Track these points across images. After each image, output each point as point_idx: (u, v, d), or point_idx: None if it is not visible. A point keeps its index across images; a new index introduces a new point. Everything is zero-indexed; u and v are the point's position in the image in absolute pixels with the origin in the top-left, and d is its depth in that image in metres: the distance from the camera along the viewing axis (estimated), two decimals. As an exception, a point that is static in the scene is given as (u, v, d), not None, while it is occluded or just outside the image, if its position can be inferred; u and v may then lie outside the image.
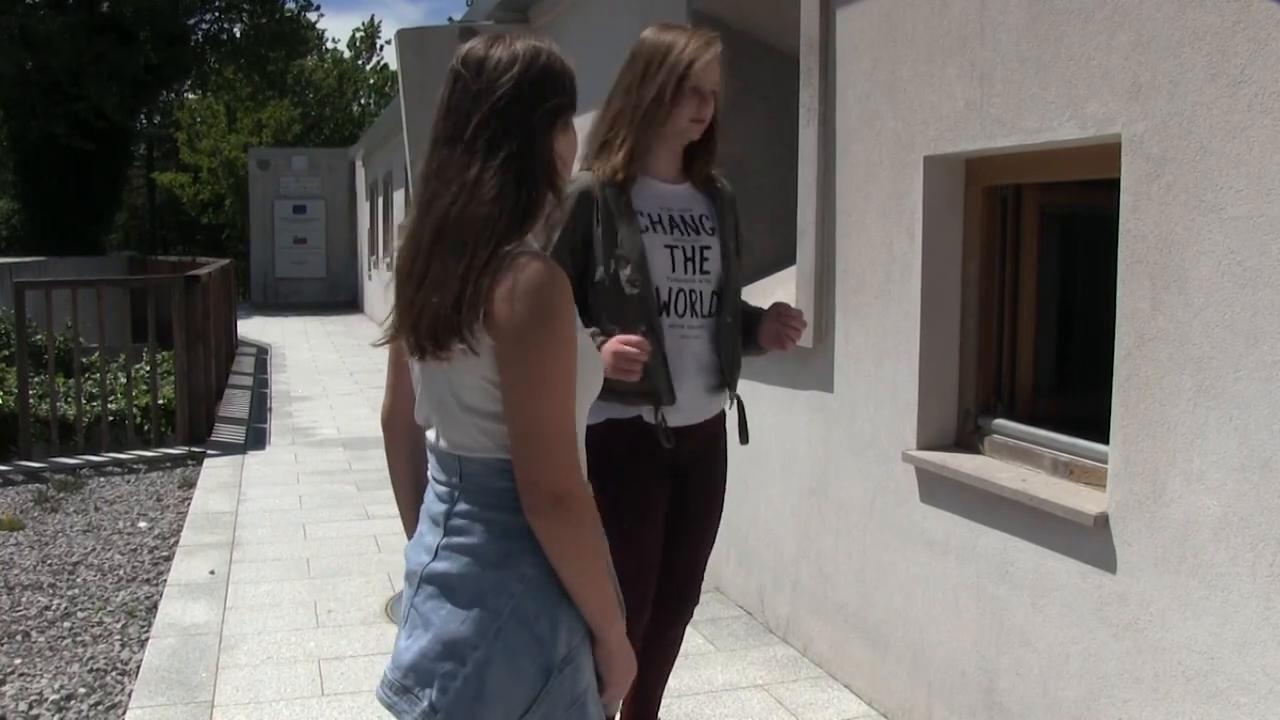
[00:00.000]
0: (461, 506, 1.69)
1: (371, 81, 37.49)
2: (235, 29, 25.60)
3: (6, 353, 9.34)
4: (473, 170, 1.61)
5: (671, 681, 3.86)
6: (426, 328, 1.61)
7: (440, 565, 1.68)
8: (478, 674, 1.63)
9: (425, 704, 1.64)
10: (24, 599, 4.74)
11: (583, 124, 7.17)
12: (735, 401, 2.81)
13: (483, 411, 1.64)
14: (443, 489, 1.72)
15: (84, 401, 8.02)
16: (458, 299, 1.57)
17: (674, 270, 2.66)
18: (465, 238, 1.59)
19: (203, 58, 25.42)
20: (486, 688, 1.62)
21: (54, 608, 4.64)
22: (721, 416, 2.83)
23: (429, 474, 1.80)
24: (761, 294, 3.70)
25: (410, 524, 1.94)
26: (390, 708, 1.69)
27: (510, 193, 1.60)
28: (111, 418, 7.96)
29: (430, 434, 1.76)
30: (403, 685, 1.68)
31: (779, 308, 2.77)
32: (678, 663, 4.02)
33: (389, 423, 1.93)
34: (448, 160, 1.64)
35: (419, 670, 1.66)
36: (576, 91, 1.72)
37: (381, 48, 38.45)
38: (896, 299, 3.42)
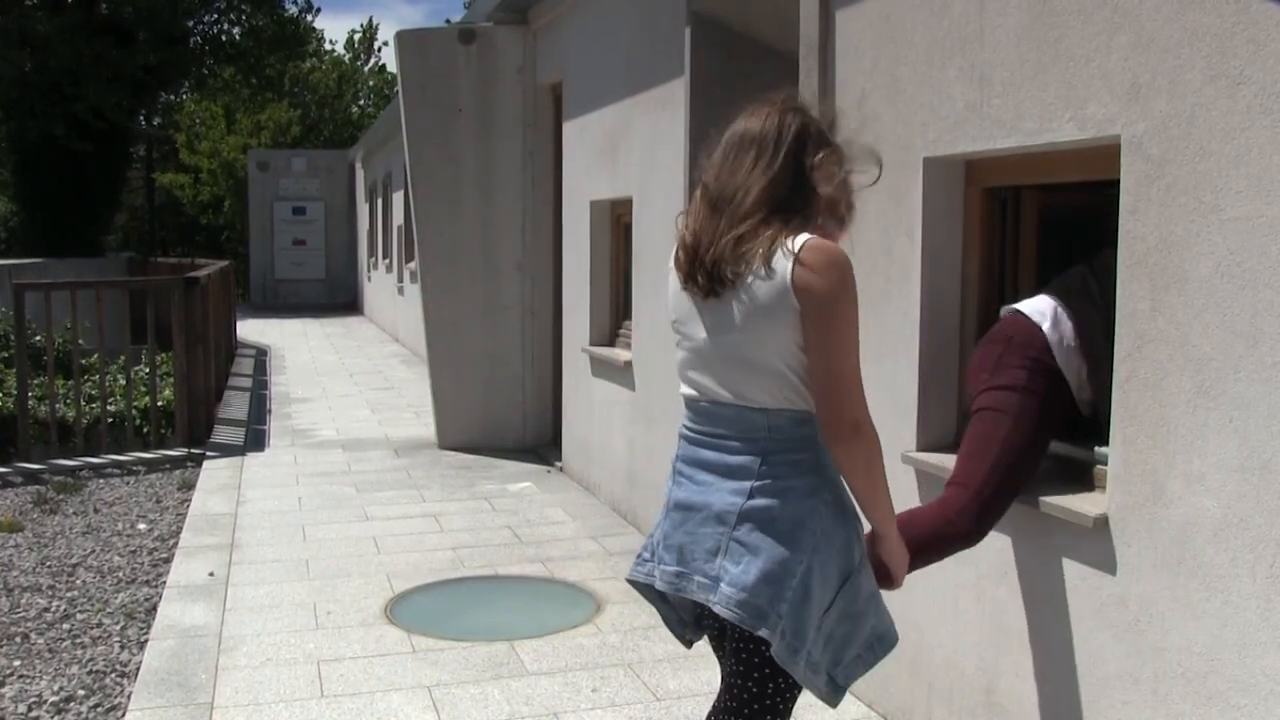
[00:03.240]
0: (773, 454, 2.12)
1: (371, 83, 37.48)
2: (235, 31, 25.57)
3: (6, 354, 9.33)
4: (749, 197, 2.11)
5: (671, 682, 3.86)
6: (715, 270, 2.09)
7: (759, 502, 2.11)
8: (804, 582, 2.08)
9: (774, 614, 2.06)
10: (23, 601, 4.74)
11: (586, 123, 7.15)
12: None
13: (794, 371, 2.10)
14: (741, 443, 2.14)
15: (83, 403, 8.01)
16: (738, 243, 2.08)
17: None
18: (741, 214, 2.10)
19: (201, 59, 25.38)
20: (810, 593, 2.09)
21: (53, 609, 4.63)
22: None
23: (705, 430, 2.20)
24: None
25: None
26: (740, 621, 2.08)
27: (781, 206, 2.10)
28: (111, 419, 7.96)
29: (723, 397, 2.15)
30: (750, 602, 2.07)
31: None
32: (678, 663, 4.03)
33: None
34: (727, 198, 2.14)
35: (761, 587, 2.07)
36: (828, 141, 2.18)
37: (380, 49, 38.45)
38: (896, 300, 3.42)
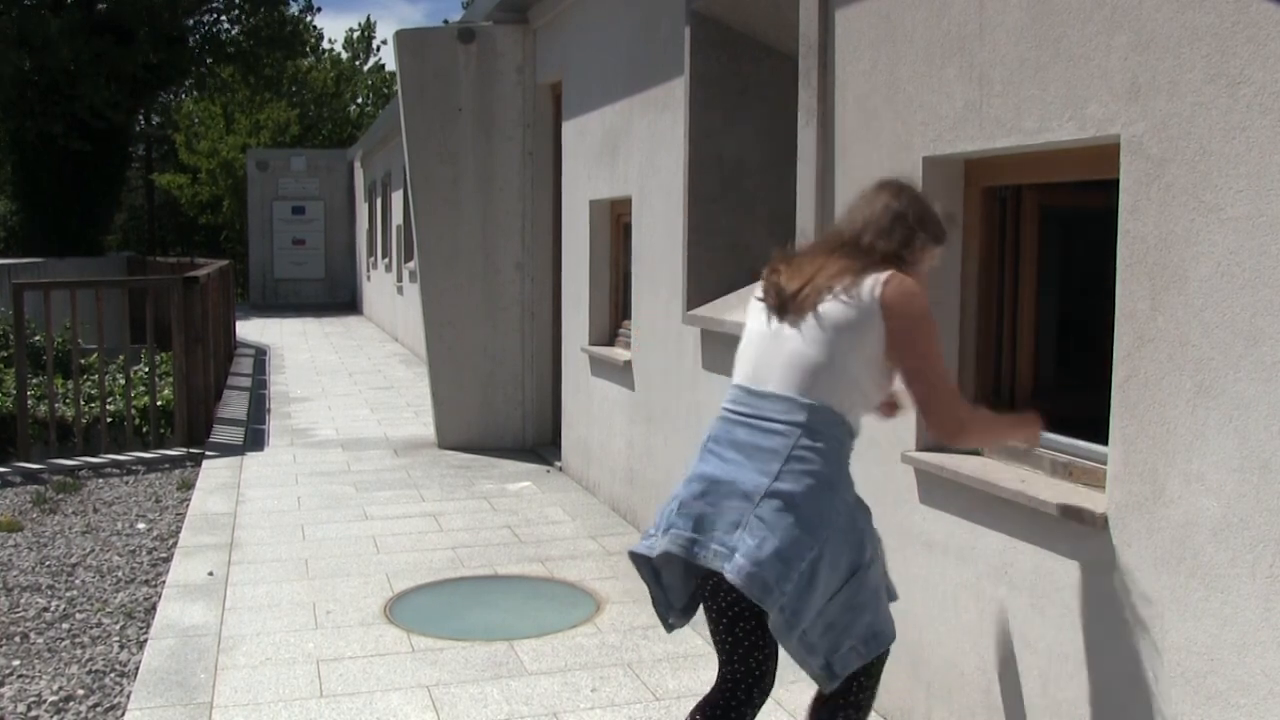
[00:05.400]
0: (806, 441, 2.32)
1: (369, 82, 37.45)
2: (234, 30, 25.56)
3: (5, 354, 9.34)
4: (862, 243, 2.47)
5: (671, 682, 3.86)
6: (809, 302, 2.39)
7: (785, 485, 2.30)
8: (812, 568, 2.26)
9: (779, 590, 2.23)
10: (22, 600, 4.74)
11: (586, 122, 7.14)
12: None
13: (851, 377, 2.36)
14: (781, 426, 2.35)
15: (82, 403, 8.01)
16: (832, 280, 2.39)
17: None
18: (852, 255, 2.44)
19: (200, 59, 25.36)
20: (816, 578, 2.27)
21: (53, 609, 4.63)
22: None
23: (747, 413, 2.40)
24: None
25: None
26: (747, 591, 2.24)
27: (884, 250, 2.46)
28: (110, 419, 7.96)
29: (772, 385, 2.38)
30: (759, 575, 2.23)
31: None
32: (678, 663, 4.03)
33: None
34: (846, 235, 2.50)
35: (772, 564, 2.24)
36: (940, 229, 2.54)
37: (378, 48, 38.40)
38: (896, 300, 3.42)
